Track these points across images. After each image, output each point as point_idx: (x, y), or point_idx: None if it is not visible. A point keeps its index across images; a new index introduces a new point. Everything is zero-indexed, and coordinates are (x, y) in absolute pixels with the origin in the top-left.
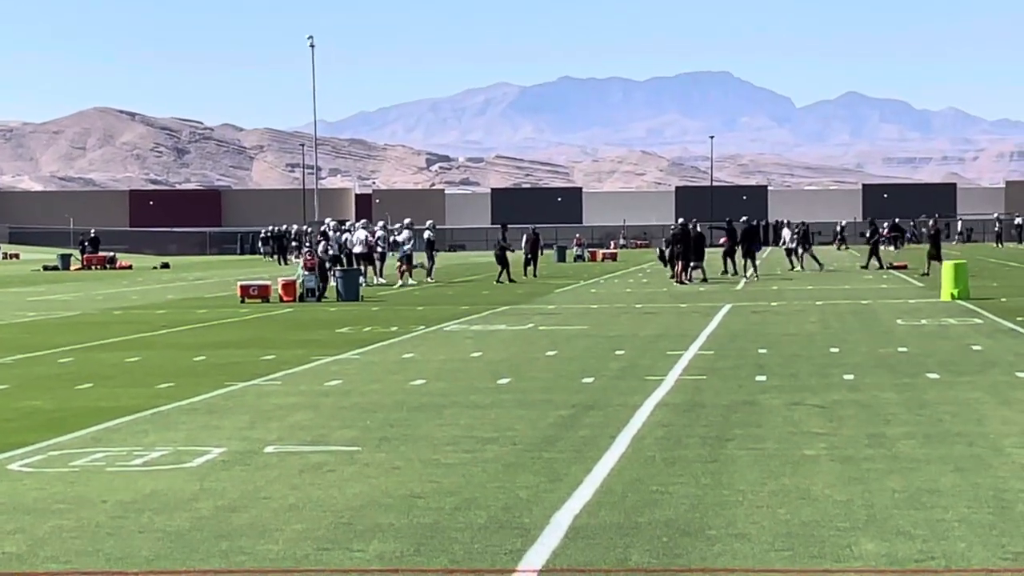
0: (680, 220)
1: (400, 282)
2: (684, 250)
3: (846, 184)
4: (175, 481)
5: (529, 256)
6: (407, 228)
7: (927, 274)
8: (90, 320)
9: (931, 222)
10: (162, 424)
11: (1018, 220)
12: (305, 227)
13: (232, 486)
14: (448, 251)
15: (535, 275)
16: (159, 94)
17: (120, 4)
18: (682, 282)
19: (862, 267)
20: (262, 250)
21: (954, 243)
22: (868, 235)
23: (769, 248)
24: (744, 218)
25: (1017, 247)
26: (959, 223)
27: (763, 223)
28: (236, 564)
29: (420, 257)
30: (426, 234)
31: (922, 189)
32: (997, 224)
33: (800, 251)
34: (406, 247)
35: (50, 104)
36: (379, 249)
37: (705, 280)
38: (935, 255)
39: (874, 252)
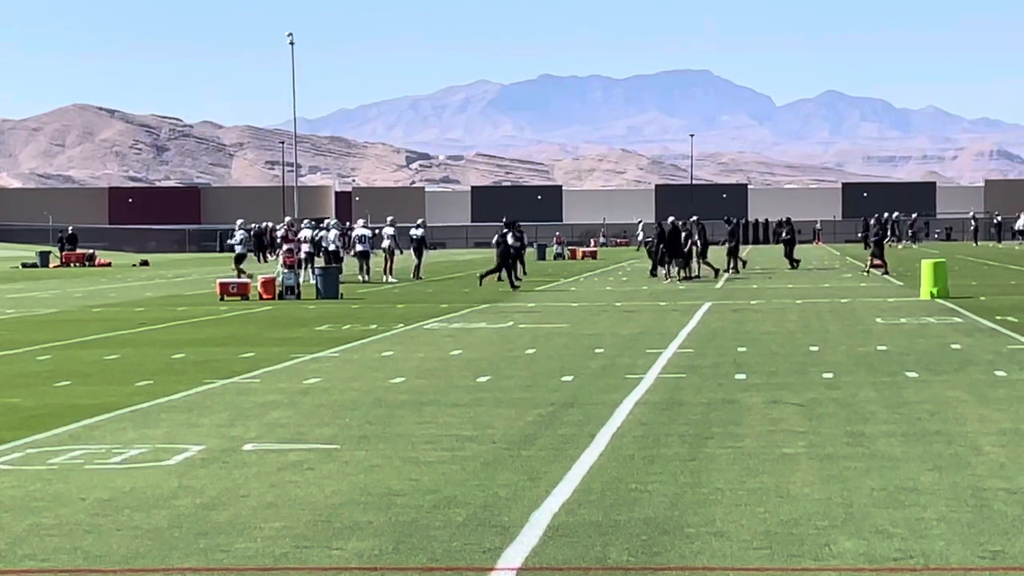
0: (670, 219)
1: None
2: (669, 248)
3: (826, 183)
4: (154, 479)
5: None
6: (388, 225)
7: (867, 272)
8: (69, 318)
9: (871, 221)
10: (141, 422)
11: (997, 219)
12: (282, 226)
13: (211, 484)
14: (429, 249)
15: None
16: (138, 91)
17: (100, 1)
18: (688, 278)
19: (866, 272)
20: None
21: (935, 240)
22: (872, 234)
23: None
24: (671, 218)
25: (996, 246)
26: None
27: (742, 221)
28: (215, 562)
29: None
30: (412, 231)
31: (902, 188)
32: (973, 222)
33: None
34: (384, 244)
35: (29, 100)
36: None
37: (687, 278)
38: (878, 255)
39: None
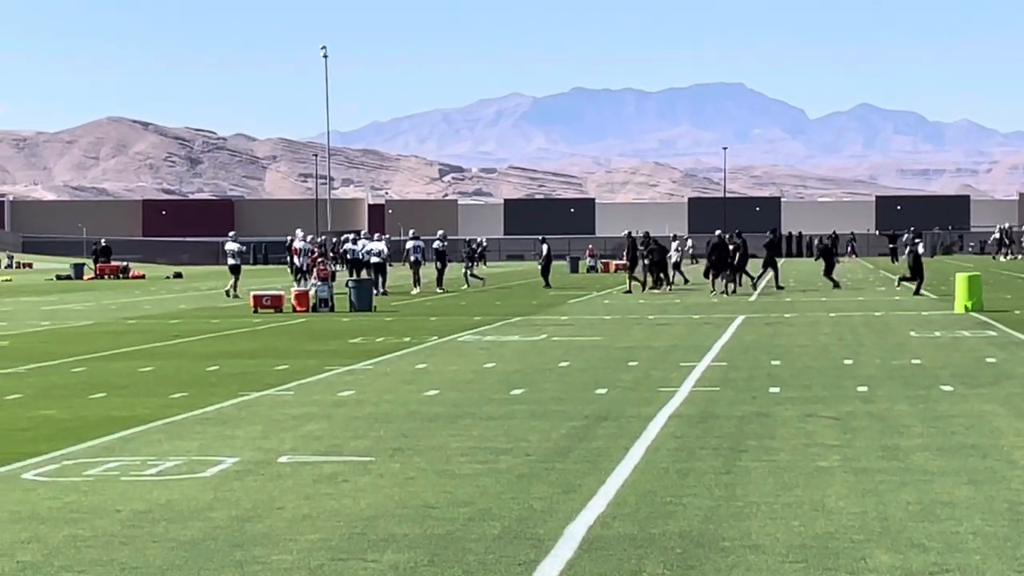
0: (717, 233)
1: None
2: (717, 262)
3: (859, 196)
4: (189, 491)
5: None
6: (411, 238)
7: (837, 287)
8: (103, 330)
9: (819, 238)
10: (176, 434)
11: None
12: (320, 237)
13: (246, 496)
14: (462, 262)
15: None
16: (172, 104)
17: (134, 14)
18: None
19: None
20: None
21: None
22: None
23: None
24: (717, 232)
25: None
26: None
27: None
28: (250, 574)
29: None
30: (435, 244)
31: (935, 201)
32: (999, 234)
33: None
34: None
35: (63, 114)
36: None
37: (732, 291)
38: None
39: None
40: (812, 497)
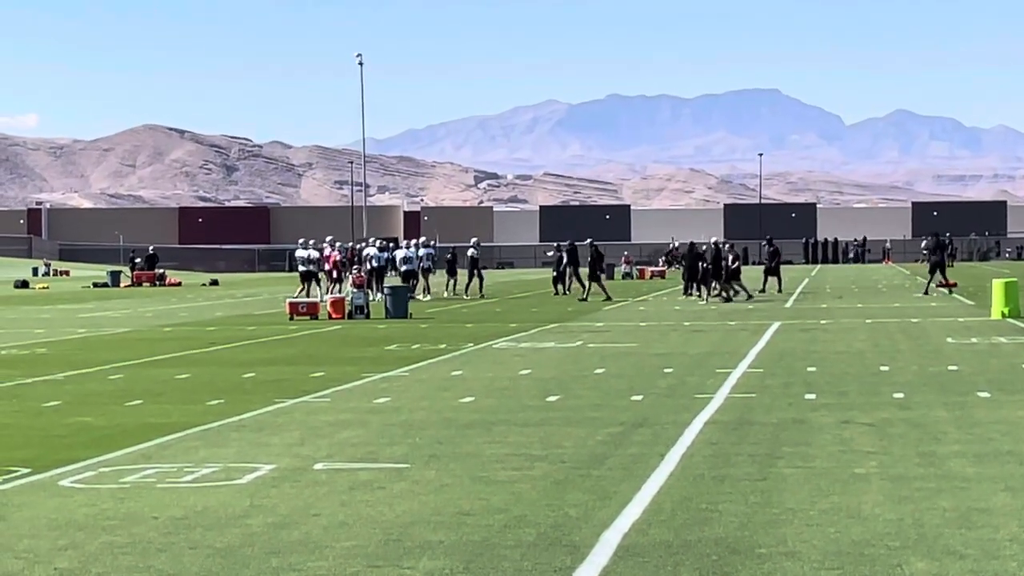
0: (713, 239)
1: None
2: (690, 271)
3: (896, 202)
4: (225, 497)
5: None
6: (422, 245)
7: (763, 291)
8: (140, 337)
9: (767, 240)
10: (212, 441)
11: None
12: (352, 244)
13: (282, 503)
14: (496, 268)
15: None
16: (208, 111)
17: (170, 22)
18: (728, 299)
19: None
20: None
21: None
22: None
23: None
24: (713, 239)
25: None
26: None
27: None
28: None
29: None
30: (469, 252)
31: (972, 207)
32: None
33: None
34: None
35: (100, 121)
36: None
37: (728, 299)
38: (773, 271)
39: (939, 270)
40: (848, 504)
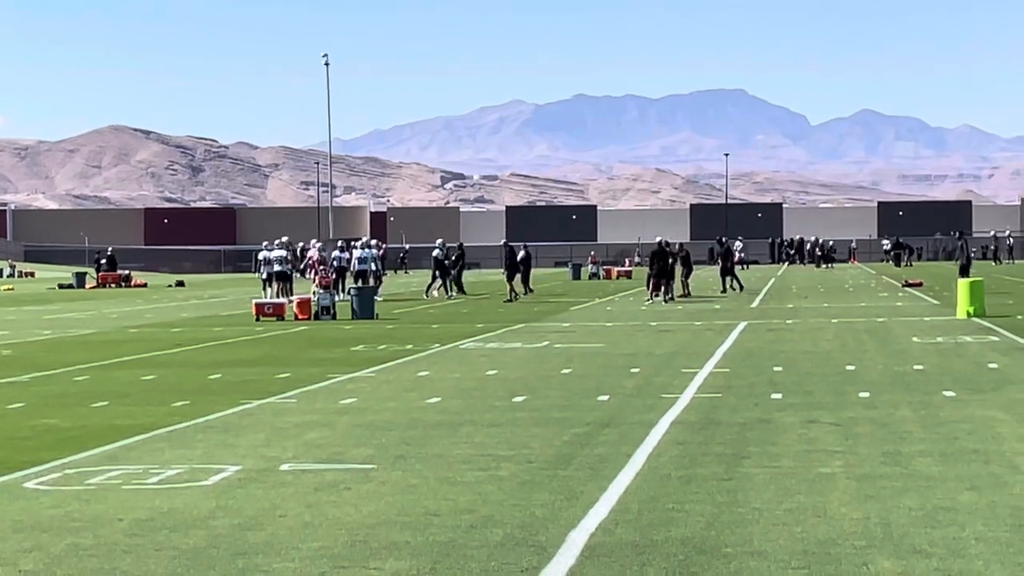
0: (657, 239)
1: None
2: (660, 269)
3: (861, 202)
4: (191, 499)
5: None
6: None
7: (724, 291)
8: (105, 338)
9: (720, 240)
10: (178, 442)
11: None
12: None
13: (248, 504)
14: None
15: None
16: (174, 112)
17: (135, 23)
18: (668, 300)
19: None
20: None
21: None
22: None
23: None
24: (658, 238)
25: None
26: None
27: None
28: None
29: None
30: (434, 252)
31: (937, 207)
32: (994, 242)
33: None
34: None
35: (65, 122)
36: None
37: (671, 299)
38: (729, 270)
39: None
40: (814, 503)
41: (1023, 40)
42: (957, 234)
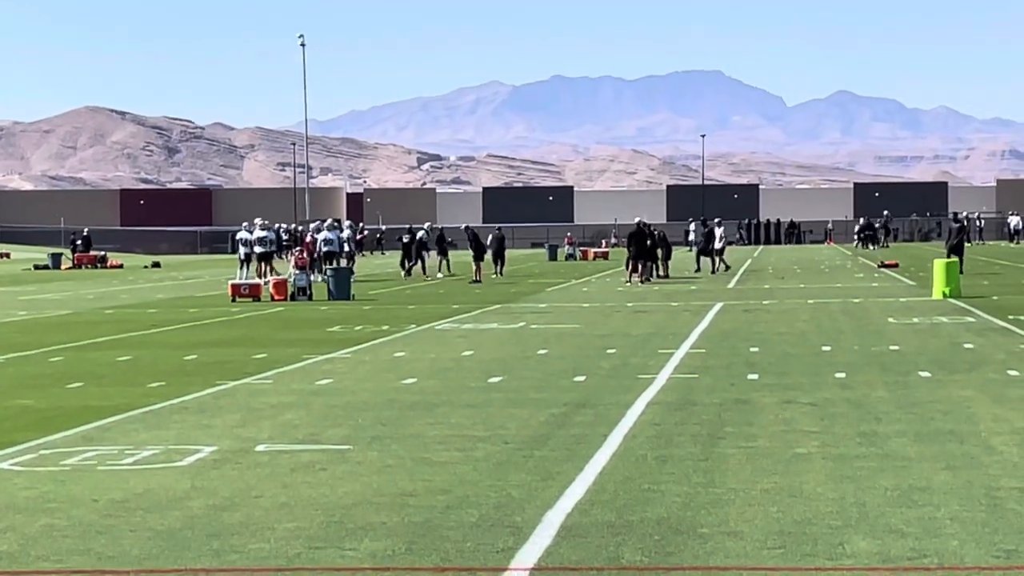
0: (636, 220)
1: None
2: (638, 250)
3: (837, 183)
4: (166, 480)
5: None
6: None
7: (699, 270)
8: (81, 319)
9: (704, 220)
10: (153, 423)
11: (1013, 221)
12: (295, 225)
13: (223, 485)
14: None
15: (502, 273)
16: (150, 93)
17: (111, 3)
18: (645, 281)
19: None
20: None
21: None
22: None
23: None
24: (637, 219)
25: (1010, 246)
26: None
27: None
28: (227, 563)
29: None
30: (419, 234)
31: (913, 188)
32: (980, 223)
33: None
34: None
35: (40, 103)
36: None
37: (648, 280)
38: (711, 252)
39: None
40: (790, 483)
41: (1000, 22)
42: (953, 216)
